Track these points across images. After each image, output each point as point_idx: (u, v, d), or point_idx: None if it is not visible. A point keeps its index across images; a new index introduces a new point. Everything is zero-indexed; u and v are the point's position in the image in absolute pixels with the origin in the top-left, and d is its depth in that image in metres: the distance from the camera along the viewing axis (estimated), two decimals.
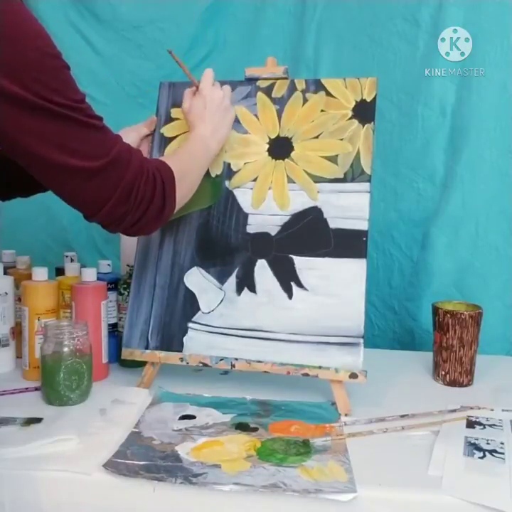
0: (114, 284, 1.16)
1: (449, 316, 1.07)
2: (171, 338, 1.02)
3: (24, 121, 0.70)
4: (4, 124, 0.70)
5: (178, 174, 0.89)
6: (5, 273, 1.16)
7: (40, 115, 0.70)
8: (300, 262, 1.00)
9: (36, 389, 1.01)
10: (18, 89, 0.68)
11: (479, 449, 0.81)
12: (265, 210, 1.04)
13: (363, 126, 1.02)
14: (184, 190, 0.92)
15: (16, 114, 0.69)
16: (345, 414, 0.93)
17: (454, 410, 0.94)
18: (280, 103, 1.08)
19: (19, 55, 0.68)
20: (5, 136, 0.71)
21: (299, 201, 1.03)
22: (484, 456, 0.80)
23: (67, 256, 1.29)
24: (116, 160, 0.78)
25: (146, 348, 1.03)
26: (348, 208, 1.00)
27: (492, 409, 0.94)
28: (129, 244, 1.16)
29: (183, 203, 0.94)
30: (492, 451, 0.81)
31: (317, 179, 1.02)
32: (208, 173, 1.04)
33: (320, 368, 0.94)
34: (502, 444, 0.83)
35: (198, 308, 1.03)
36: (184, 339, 1.01)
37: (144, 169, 0.82)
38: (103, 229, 0.84)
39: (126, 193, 0.79)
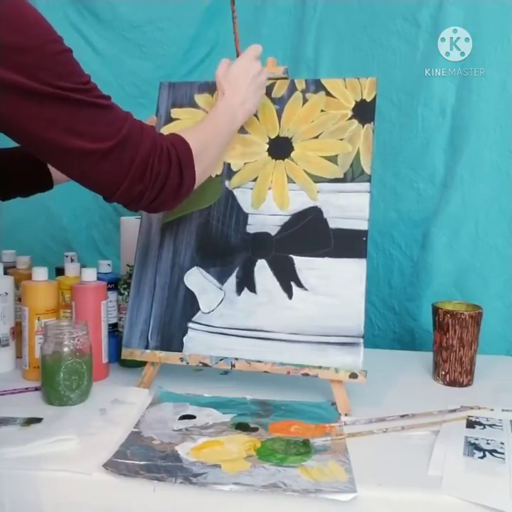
0: (114, 284, 1.16)
1: (449, 316, 1.07)
2: (171, 338, 1.02)
3: (30, 109, 0.70)
4: (12, 113, 0.70)
5: (198, 148, 0.87)
6: (5, 273, 1.16)
7: (46, 101, 0.70)
8: (300, 262, 1.00)
9: (36, 389, 1.01)
10: (22, 78, 0.68)
11: (479, 449, 0.81)
12: (265, 210, 1.04)
13: (363, 126, 1.02)
14: (205, 163, 0.90)
15: (22, 102, 0.69)
16: (345, 414, 0.93)
17: (454, 410, 0.94)
18: (280, 103, 1.08)
19: (20, 44, 0.68)
20: (14, 125, 0.71)
21: (299, 201, 1.03)
22: (484, 456, 0.80)
23: (67, 256, 1.29)
24: (127, 139, 0.77)
25: (146, 348, 1.03)
26: (348, 208, 1.00)
27: (492, 409, 0.94)
28: (129, 244, 1.16)
29: (205, 177, 0.92)
30: (492, 451, 0.81)
31: (317, 179, 1.02)
32: None
33: (320, 367, 0.94)
34: (502, 444, 0.83)
35: (198, 308, 1.03)
36: (184, 339, 1.01)
37: (157, 146, 0.80)
38: (124, 208, 0.84)
39: (140, 171, 0.78)
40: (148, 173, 0.79)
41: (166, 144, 0.82)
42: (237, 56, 1.05)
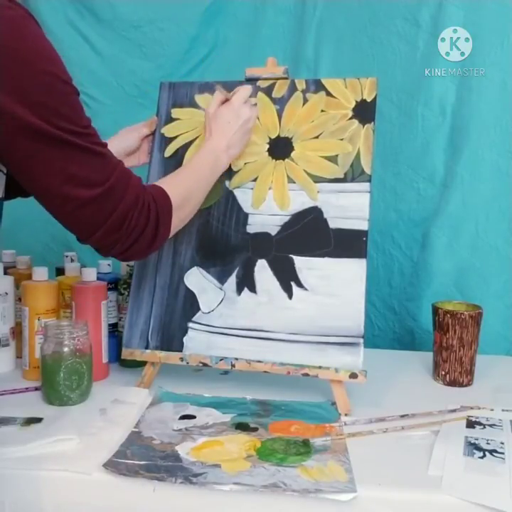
0: (114, 284, 1.16)
1: (449, 316, 1.07)
2: (171, 338, 1.02)
3: (26, 143, 0.70)
4: (7, 143, 0.70)
5: (178, 201, 0.89)
6: (5, 273, 1.16)
7: (43, 139, 0.70)
8: (300, 262, 1.00)
9: (36, 389, 1.01)
10: (26, 112, 0.68)
11: (479, 448, 0.81)
12: (265, 210, 1.04)
13: (363, 126, 1.02)
14: (184, 214, 0.92)
15: (19, 135, 0.69)
16: (345, 414, 0.93)
17: (454, 410, 0.94)
18: (280, 103, 1.08)
19: (31, 80, 0.69)
20: (5, 154, 0.72)
21: (299, 201, 1.03)
22: (484, 456, 0.80)
23: (67, 256, 1.29)
24: (112, 189, 0.78)
25: (146, 347, 1.03)
26: (348, 207, 1.00)
27: (492, 409, 0.94)
28: None
29: (181, 226, 0.94)
30: (492, 451, 0.81)
31: (317, 179, 1.02)
32: None
33: (320, 367, 0.94)
34: (502, 443, 0.83)
35: (198, 308, 1.03)
36: (184, 339, 1.01)
37: (140, 200, 0.81)
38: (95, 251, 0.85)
39: (118, 222, 0.79)
40: (125, 224, 0.80)
41: (148, 198, 0.83)
42: (224, 96, 1.04)
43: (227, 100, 1.04)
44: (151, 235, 0.84)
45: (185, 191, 0.92)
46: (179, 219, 0.91)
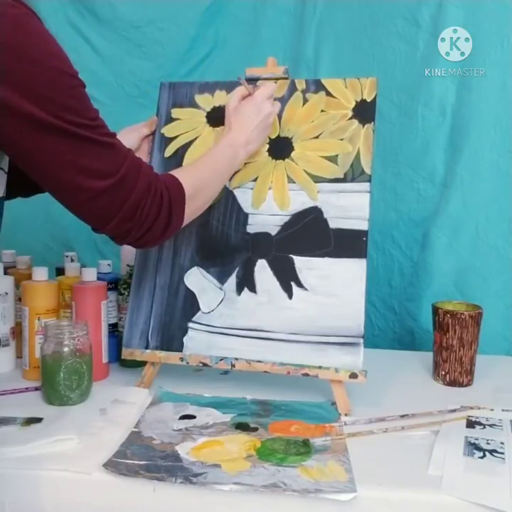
0: (114, 284, 1.16)
1: (449, 316, 1.07)
2: (171, 338, 1.02)
3: (36, 138, 0.71)
4: (17, 139, 0.71)
5: (192, 190, 0.89)
6: (5, 273, 1.16)
7: (52, 133, 0.71)
8: (300, 262, 1.00)
9: (36, 389, 1.01)
10: (34, 107, 0.69)
11: (479, 448, 0.81)
12: (265, 210, 1.04)
13: (363, 126, 1.02)
14: (197, 204, 0.92)
15: (29, 131, 0.70)
16: (345, 414, 0.93)
17: (454, 410, 0.94)
18: (280, 103, 1.07)
19: (37, 75, 0.69)
20: (17, 150, 0.72)
21: (299, 201, 1.03)
22: (484, 456, 0.80)
23: (67, 256, 1.29)
24: (124, 179, 0.79)
25: (146, 347, 1.03)
26: (348, 207, 1.00)
27: (492, 409, 0.94)
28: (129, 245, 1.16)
29: (196, 216, 0.94)
30: (492, 451, 0.81)
31: (317, 179, 1.02)
32: None
33: (320, 367, 0.94)
34: (502, 443, 0.83)
35: (198, 308, 1.03)
36: (184, 339, 1.01)
37: (152, 188, 0.82)
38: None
39: (131, 211, 0.80)
40: (138, 213, 0.81)
41: (160, 186, 0.84)
42: (247, 91, 1.04)
43: (249, 95, 1.04)
44: (164, 222, 0.85)
45: (199, 181, 0.92)
46: (192, 209, 0.91)
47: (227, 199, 1.06)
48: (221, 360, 0.99)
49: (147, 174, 0.83)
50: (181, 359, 1.01)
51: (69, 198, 0.78)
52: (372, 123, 1.02)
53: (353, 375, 0.93)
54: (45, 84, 0.70)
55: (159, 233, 0.86)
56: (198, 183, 0.91)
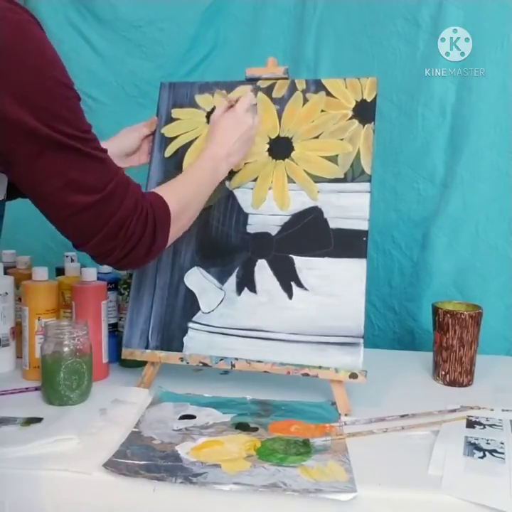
0: (114, 284, 1.16)
1: (449, 316, 1.07)
2: (171, 338, 1.02)
3: (26, 147, 0.70)
4: (6, 147, 0.70)
5: (177, 210, 0.88)
6: (5, 273, 1.16)
7: (44, 143, 0.70)
8: (300, 262, 1.00)
9: (36, 389, 1.01)
10: (27, 115, 0.68)
11: (479, 448, 0.81)
12: (265, 210, 1.04)
13: (364, 126, 1.02)
14: (182, 223, 0.91)
15: (20, 139, 0.69)
16: (345, 414, 0.93)
17: (454, 410, 0.94)
18: (280, 103, 1.08)
19: (34, 83, 0.68)
20: (4, 158, 0.71)
21: (299, 201, 1.03)
22: (484, 456, 0.80)
23: (67, 256, 1.29)
24: (111, 195, 0.77)
25: (146, 347, 1.03)
26: (348, 207, 1.00)
27: (492, 409, 0.94)
28: None
29: (178, 235, 0.93)
30: (492, 451, 0.81)
31: (317, 179, 1.02)
32: None
33: (320, 367, 0.94)
34: (502, 443, 0.83)
35: (198, 308, 1.03)
36: (184, 339, 1.01)
37: (138, 207, 0.80)
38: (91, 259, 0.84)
39: (115, 229, 0.78)
40: (122, 232, 0.79)
41: (146, 205, 0.82)
42: (229, 101, 1.05)
43: (231, 106, 1.04)
44: (148, 243, 0.83)
45: (183, 200, 0.91)
46: (177, 228, 0.90)
47: (227, 199, 1.06)
48: (221, 360, 0.99)
49: (135, 192, 0.81)
50: (181, 359, 1.01)
51: (53, 211, 0.76)
52: (373, 123, 1.02)
53: (353, 375, 0.93)
54: (41, 93, 0.69)
55: (143, 254, 0.83)
56: (182, 201, 0.90)
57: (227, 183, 1.06)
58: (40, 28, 0.71)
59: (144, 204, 0.82)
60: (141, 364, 1.04)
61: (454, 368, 1.08)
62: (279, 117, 1.07)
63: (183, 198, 0.91)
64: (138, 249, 0.82)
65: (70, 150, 0.73)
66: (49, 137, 0.70)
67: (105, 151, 0.79)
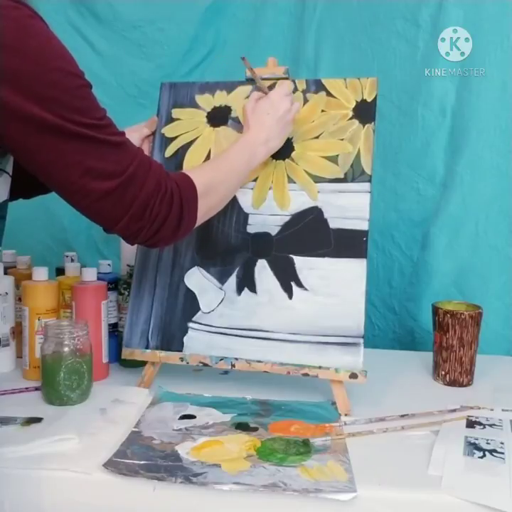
0: (115, 284, 1.16)
1: (449, 316, 1.07)
2: (171, 338, 1.02)
3: (42, 140, 0.70)
4: (23, 141, 0.70)
5: (205, 188, 0.88)
6: (5, 273, 1.16)
7: (58, 135, 0.71)
8: (300, 262, 1.00)
9: (36, 389, 1.01)
10: (37, 109, 0.68)
11: (479, 448, 0.81)
12: (265, 210, 1.04)
13: (364, 126, 1.02)
14: (211, 203, 0.90)
15: (35, 132, 0.69)
16: (345, 414, 0.93)
17: (454, 410, 0.94)
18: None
19: (40, 76, 0.69)
20: (23, 152, 0.72)
21: (299, 201, 1.03)
22: (484, 455, 0.80)
23: (67, 256, 1.29)
24: (132, 178, 0.77)
25: (147, 347, 1.03)
26: (348, 208, 1.00)
27: (492, 409, 0.94)
28: (129, 245, 1.16)
29: (211, 215, 0.93)
30: (492, 451, 0.81)
31: (317, 179, 1.02)
32: None
33: (320, 367, 0.94)
34: (502, 443, 0.83)
35: (198, 308, 1.03)
36: (184, 339, 1.01)
37: (162, 187, 0.81)
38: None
39: (140, 210, 0.79)
40: (147, 212, 0.79)
41: (170, 184, 0.82)
42: (262, 90, 1.04)
43: (265, 95, 1.03)
44: (176, 221, 0.83)
45: (212, 179, 0.90)
46: (207, 206, 0.89)
47: None
48: (221, 360, 0.99)
49: (157, 173, 0.81)
50: (181, 359, 1.01)
51: (76, 199, 0.77)
52: (373, 123, 1.02)
53: (353, 375, 0.93)
54: (49, 85, 0.69)
55: (171, 232, 0.84)
56: (211, 181, 0.90)
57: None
58: (43, 21, 0.72)
59: (167, 183, 0.82)
60: (141, 364, 1.04)
61: (454, 368, 1.08)
62: None
63: (211, 178, 0.91)
64: (166, 228, 0.82)
65: (84, 139, 0.73)
66: (62, 128, 0.70)
67: (123, 134, 0.79)
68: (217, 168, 0.94)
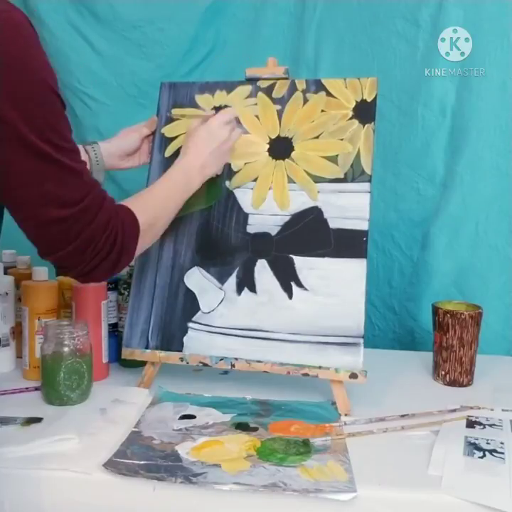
0: (114, 284, 1.16)
1: (449, 316, 1.07)
2: (171, 338, 1.02)
3: (5, 152, 0.69)
4: None
5: (147, 224, 0.87)
6: (5, 273, 1.16)
7: (25, 150, 0.69)
8: (300, 262, 1.00)
9: (36, 389, 1.01)
10: (14, 116, 0.67)
11: (479, 448, 0.81)
12: (265, 210, 1.04)
13: (364, 126, 1.02)
14: (149, 238, 0.90)
15: (6, 142, 0.68)
16: (345, 414, 0.93)
17: (454, 410, 0.94)
18: (280, 103, 1.08)
19: (25, 85, 0.68)
20: None
21: (299, 201, 1.03)
22: (484, 455, 0.80)
23: None
24: (85, 211, 0.76)
25: (146, 347, 1.03)
26: (348, 208, 1.00)
27: (492, 409, 0.94)
28: None
29: (145, 248, 0.92)
30: (492, 451, 0.81)
31: (317, 179, 1.02)
32: None
33: (320, 367, 0.94)
34: (502, 443, 0.83)
35: (198, 308, 1.03)
36: (184, 339, 1.01)
37: (109, 225, 0.79)
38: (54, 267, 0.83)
39: (84, 245, 0.77)
40: (90, 249, 0.78)
41: (117, 224, 0.81)
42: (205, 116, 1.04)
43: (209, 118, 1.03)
44: (113, 261, 0.82)
45: (153, 215, 0.90)
46: (143, 245, 0.88)
47: (227, 199, 1.06)
48: (221, 360, 0.99)
49: (108, 209, 0.80)
50: (181, 359, 1.01)
51: (25, 218, 0.75)
52: (373, 123, 1.02)
53: (353, 375, 0.93)
54: (30, 96, 0.68)
55: (106, 271, 0.82)
56: (152, 218, 0.89)
57: (227, 183, 1.06)
58: (33, 30, 0.70)
59: (115, 223, 0.80)
60: (141, 364, 1.04)
61: (454, 368, 1.08)
62: (279, 117, 1.07)
63: (153, 213, 0.90)
64: (103, 265, 0.81)
65: (51, 161, 0.71)
66: (34, 145, 0.69)
67: (84, 163, 0.78)
68: (157, 201, 0.93)
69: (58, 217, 0.74)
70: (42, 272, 1.09)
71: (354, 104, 1.04)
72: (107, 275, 0.85)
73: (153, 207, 0.91)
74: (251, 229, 1.04)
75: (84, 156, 1.01)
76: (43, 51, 0.71)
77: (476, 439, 0.84)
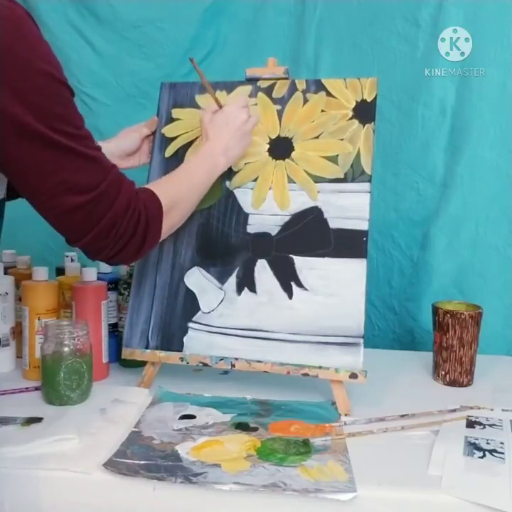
0: (115, 284, 1.16)
1: (449, 316, 1.07)
2: (171, 338, 1.02)
3: (20, 145, 0.69)
4: (3, 144, 0.69)
5: (170, 204, 0.88)
6: (5, 273, 1.16)
7: (37, 141, 0.70)
8: (300, 262, 1.00)
9: (36, 389, 1.01)
10: (24, 113, 0.68)
11: (479, 448, 0.81)
12: (265, 210, 1.04)
13: (364, 126, 1.02)
14: (174, 220, 0.92)
15: (14, 135, 0.69)
16: (345, 414, 0.93)
17: (454, 410, 0.94)
18: (281, 103, 1.08)
19: (29, 80, 0.68)
20: (1, 155, 0.71)
21: (299, 201, 1.03)
22: (484, 455, 0.80)
23: (67, 256, 1.29)
24: (103, 195, 0.77)
25: (147, 347, 1.03)
26: (348, 208, 1.00)
27: (492, 409, 0.94)
28: None
29: (172, 231, 0.93)
30: (492, 451, 0.81)
31: (317, 179, 1.02)
32: None
33: (320, 367, 0.94)
34: (502, 443, 0.83)
35: (198, 308, 1.03)
36: (184, 339, 1.01)
37: (131, 207, 0.80)
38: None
39: (107, 229, 0.79)
40: (113, 232, 0.79)
41: (139, 205, 0.82)
42: (216, 103, 1.04)
43: (220, 108, 1.04)
44: (139, 242, 0.83)
45: (177, 196, 0.91)
46: (169, 225, 0.90)
47: (227, 199, 1.06)
48: (221, 360, 0.99)
49: (127, 192, 0.81)
50: (181, 359, 1.01)
51: (45, 208, 0.76)
52: (373, 123, 1.02)
53: (353, 375, 0.93)
54: (34, 88, 0.69)
55: (134, 252, 0.84)
56: (175, 198, 0.90)
57: (227, 183, 1.06)
58: (35, 24, 0.71)
59: (137, 204, 0.82)
60: (141, 364, 1.04)
61: (454, 368, 1.08)
62: (279, 117, 1.07)
63: (177, 195, 0.91)
64: (129, 248, 0.83)
65: (64, 149, 0.72)
66: (44, 135, 0.70)
67: (99, 148, 0.79)
68: (181, 184, 0.94)
69: (77, 204, 0.75)
70: (42, 271, 1.09)
71: (354, 104, 1.04)
72: (135, 257, 0.87)
73: (177, 187, 0.93)
74: (251, 229, 1.04)
75: None
76: (45, 43, 0.71)
77: (476, 439, 0.84)
